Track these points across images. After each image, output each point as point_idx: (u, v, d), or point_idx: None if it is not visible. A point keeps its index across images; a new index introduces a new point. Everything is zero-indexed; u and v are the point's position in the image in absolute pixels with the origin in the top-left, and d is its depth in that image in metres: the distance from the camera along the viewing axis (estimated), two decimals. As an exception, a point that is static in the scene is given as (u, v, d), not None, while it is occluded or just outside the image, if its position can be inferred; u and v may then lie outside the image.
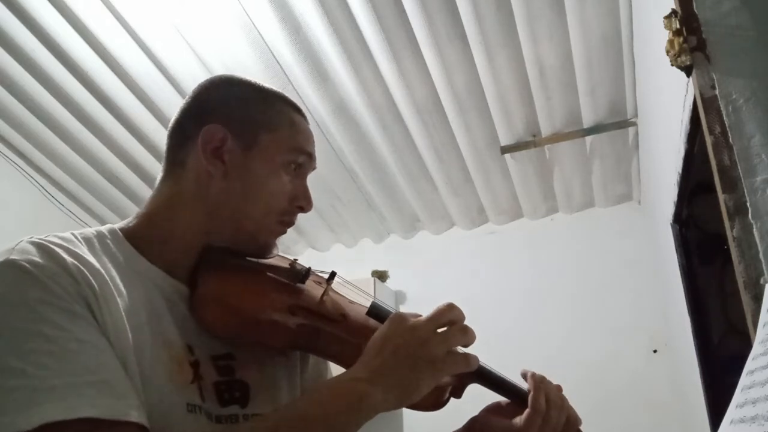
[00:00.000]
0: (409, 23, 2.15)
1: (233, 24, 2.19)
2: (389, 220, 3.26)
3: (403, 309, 3.22)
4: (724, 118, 0.95)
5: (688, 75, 1.04)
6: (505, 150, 2.66)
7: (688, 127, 1.29)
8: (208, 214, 0.76)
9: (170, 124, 0.81)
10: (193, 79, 2.35)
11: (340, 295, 0.84)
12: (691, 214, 1.68)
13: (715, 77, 0.98)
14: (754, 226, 0.89)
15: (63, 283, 0.60)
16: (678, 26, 1.01)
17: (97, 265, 0.65)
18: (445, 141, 2.67)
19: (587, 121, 2.53)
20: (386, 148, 2.72)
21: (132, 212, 0.79)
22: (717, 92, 0.97)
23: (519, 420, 0.81)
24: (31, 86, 2.47)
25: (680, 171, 1.51)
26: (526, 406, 0.81)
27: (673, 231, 1.81)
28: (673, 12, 1.02)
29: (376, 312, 0.79)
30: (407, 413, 2.88)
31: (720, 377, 1.59)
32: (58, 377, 0.56)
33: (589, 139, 2.64)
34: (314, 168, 0.84)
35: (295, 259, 0.83)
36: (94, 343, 0.60)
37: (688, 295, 1.74)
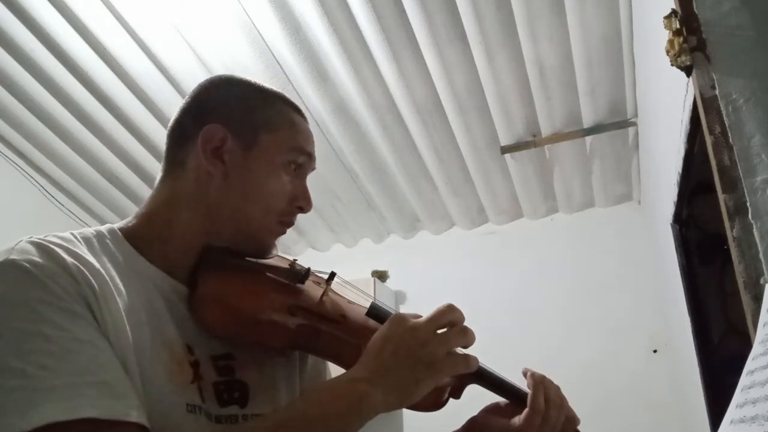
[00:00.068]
0: (409, 23, 2.15)
1: (233, 24, 2.19)
2: (389, 220, 3.26)
3: (403, 309, 3.23)
4: (724, 118, 0.95)
5: (688, 75, 1.04)
6: (505, 150, 2.66)
7: (688, 127, 1.29)
8: (207, 214, 0.76)
9: (170, 124, 0.81)
10: (193, 79, 2.35)
11: (340, 295, 0.84)
12: (691, 214, 1.68)
13: (715, 77, 0.98)
14: (754, 226, 0.89)
15: (63, 283, 0.60)
16: (678, 26, 1.01)
17: (96, 265, 0.65)
18: (445, 141, 2.67)
19: (587, 121, 2.53)
20: (386, 148, 2.72)
21: (132, 212, 0.79)
22: (717, 92, 0.97)
23: (518, 419, 0.81)
24: (31, 86, 2.47)
25: (680, 171, 1.51)
26: (524, 407, 0.81)
27: (673, 231, 1.81)
28: (673, 12, 1.02)
29: (375, 312, 0.79)
30: (407, 413, 2.88)
31: (720, 377, 1.59)
32: (58, 377, 0.56)
33: (589, 139, 2.64)
34: (314, 168, 0.85)
35: (295, 260, 0.83)
36: (94, 343, 0.60)
37: (688, 295, 1.74)
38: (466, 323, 0.70)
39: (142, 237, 0.75)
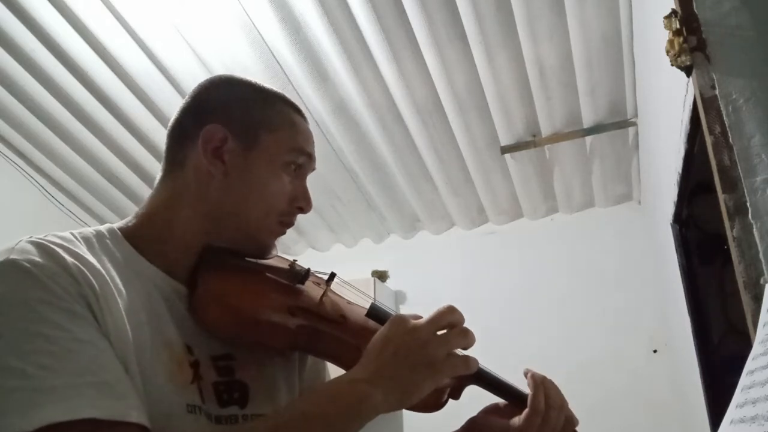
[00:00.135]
0: (409, 23, 2.15)
1: (233, 24, 2.19)
2: (389, 220, 3.26)
3: (403, 309, 3.23)
4: (724, 118, 0.95)
5: (688, 75, 1.04)
6: (505, 150, 2.66)
7: (688, 127, 1.29)
8: (207, 214, 0.76)
9: (170, 124, 0.81)
10: (193, 79, 2.35)
11: (340, 296, 0.84)
12: (691, 214, 1.68)
13: (715, 77, 0.98)
14: (754, 226, 0.89)
15: (63, 283, 0.60)
16: (678, 26, 1.01)
17: (97, 265, 0.65)
18: (445, 141, 2.67)
19: (587, 121, 2.53)
20: (386, 148, 2.72)
21: (132, 212, 0.79)
22: (717, 92, 0.97)
23: (518, 420, 0.81)
24: (31, 86, 2.47)
25: (680, 171, 1.51)
26: (524, 407, 0.81)
27: (673, 231, 1.81)
28: (673, 12, 1.02)
29: (375, 313, 0.79)
30: (407, 414, 2.88)
31: (720, 377, 1.59)
32: (59, 378, 0.56)
33: (589, 139, 2.64)
34: (314, 169, 0.85)
35: (295, 260, 0.83)
36: (94, 343, 0.60)
37: (688, 295, 1.74)
38: (465, 323, 0.70)
39: (142, 237, 0.75)
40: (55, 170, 2.92)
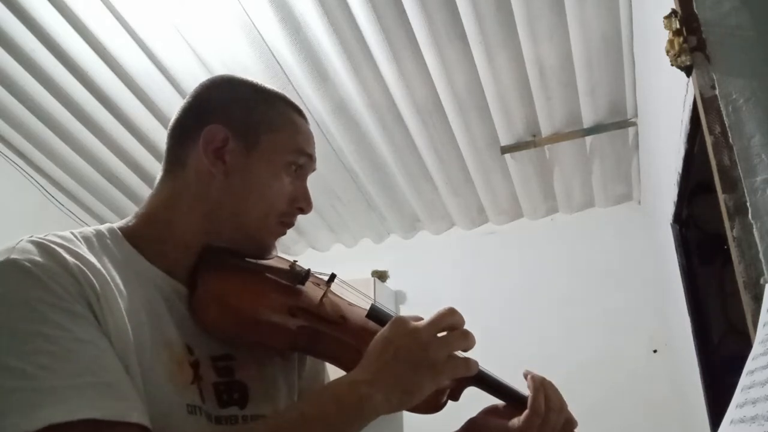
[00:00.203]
0: (409, 23, 2.15)
1: (233, 24, 2.19)
2: (389, 220, 3.26)
3: (403, 309, 3.23)
4: (724, 118, 0.95)
5: (688, 75, 1.04)
6: (505, 150, 2.66)
7: (688, 127, 1.29)
8: (208, 214, 0.76)
9: (171, 124, 0.81)
10: (193, 79, 2.35)
11: (340, 297, 0.84)
12: (691, 214, 1.68)
13: (715, 77, 0.98)
14: (754, 226, 0.89)
15: (64, 283, 0.60)
16: (678, 26, 1.01)
17: (98, 264, 0.65)
18: (445, 141, 2.67)
19: (587, 121, 2.53)
20: (386, 148, 2.72)
21: (132, 212, 0.79)
22: (717, 92, 0.97)
23: (517, 421, 0.82)
24: (31, 86, 2.47)
25: (680, 171, 1.51)
26: (523, 409, 0.81)
27: (673, 231, 1.81)
28: (673, 12, 1.02)
29: (375, 314, 0.79)
30: (407, 414, 2.88)
31: (720, 377, 1.59)
32: (59, 378, 0.56)
33: (589, 139, 2.64)
34: (314, 169, 0.84)
35: (295, 261, 0.83)
36: (95, 343, 0.59)
37: (688, 295, 1.75)
38: (466, 324, 0.71)
39: (142, 237, 0.75)
40: (55, 170, 2.92)
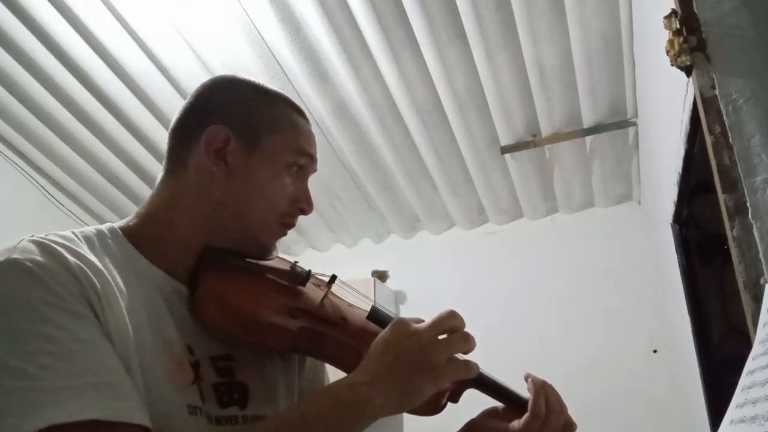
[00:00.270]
0: (409, 23, 2.15)
1: (233, 24, 2.19)
2: (389, 220, 3.26)
3: (403, 309, 3.23)
4: (724, 118, 0.95)
5: (688, 75, 1.04)
6: (505, 150, 2.66)
7: (688, 127, 1.29)
8: (209, 214, 0.76)
9: (172, 124, 0.81)
10: (193, 79, 2.35)
11: (340, 298, 0.84)
12: (691, 214, 1.68)
13: (715, 77, 0.98)
14: (754, 226, 0.89)
15: (65, 283, 0.60)
16: (678, 26, 1.01)
17: (99, 264, 0.65)
18: (445, 141, 2.67)
19: (587, 121, 2.53)
20: (386, 148, 2.72)
21: (132, 212, 0.79)
22: (717, 92, 0.97)
23: (517, 424, 0.82)
24: (31, 86, 2.47)
25: (680, 171, 1.51)
26: (523, 411, 0.81)
27: (673, 231, 1.81)
28: (673, 12, 1.02)
29: (375, 316, 0.79)
30: (407, 416, 2.89)
31: (720, 377, 1.59)
32: (60, 378, 0.56)
33: (589, 139, 2.64)
34: (315, 170, 0.84)
35: (296, 262, 0.83)
36: (96, 343, 0.59)
37: (688, 295, 1.75)
38: (466, 323, 0.71)
39: (143, 236, 0.75)
40: (55, 170, 2.92)
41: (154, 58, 2.35)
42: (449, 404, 0.80)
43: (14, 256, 0.60)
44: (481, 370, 0.74)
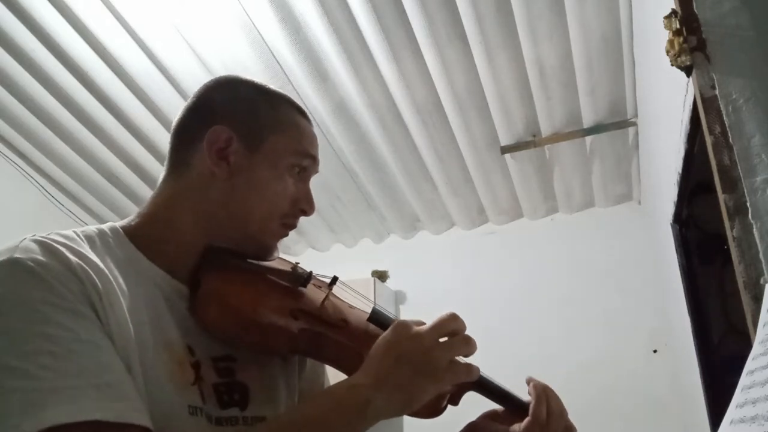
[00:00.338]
0: (409, 23, 2.15)
1: (233, 24, 2.19)
2: (389, 220, 3.26)
3: (403, 309, 3.23)
4: (724, 118, 0.95)
5: (688, 75, 1.04)
6: (505, 150, 2.66)
7: (688, 127, 1.29)
8: (210, 215, 0.76)
9: (174, 124, 0.81)
10: (193, 79, 2.35)
11: (341, 300, 0.84)
12: (691, 214, 1.68)
13: (715, 77, 0.98)
14: (754, 226, 0.89)
15: (67, 282, 0.60)
16: (678, 26, 1.01)
17: (100, 264, 0.65)
18: (445, 141, 2.67)
19: (587, 121, 2.54)
20: (386, 148, 2.72)
21: (132, 212, 0.79)
22: (717, 92, 0.97)
23: (518, 427, 0.82)
24: (31, 86, 2.47)
25: (680, 171, 1.51)
26: (524, 415, 0.81)
27: (673, 231, 1.81)
28: (673, 12, 1.02)
29: (376, 318, 0.79)
30: (407, 418, 2.88)
31: (720, 377, 1.59)
32: (61, 379, 0.55)
33: (589, 139, 2.64)
34: (317, 171, 0.84)
35: (297, 263, 0.82)
36: (97, 343, 0.59)
37: (688, 295, 1.75)
38: (465, 322, 0.71)
39: (144, 236, 0.75)
40: (55, 170, 2.92)
41: (154, 58, 2.35)
42: (449, 407, 0.80)
43: (16, 255, 0.60)
44: (481, 373, 0.74)
